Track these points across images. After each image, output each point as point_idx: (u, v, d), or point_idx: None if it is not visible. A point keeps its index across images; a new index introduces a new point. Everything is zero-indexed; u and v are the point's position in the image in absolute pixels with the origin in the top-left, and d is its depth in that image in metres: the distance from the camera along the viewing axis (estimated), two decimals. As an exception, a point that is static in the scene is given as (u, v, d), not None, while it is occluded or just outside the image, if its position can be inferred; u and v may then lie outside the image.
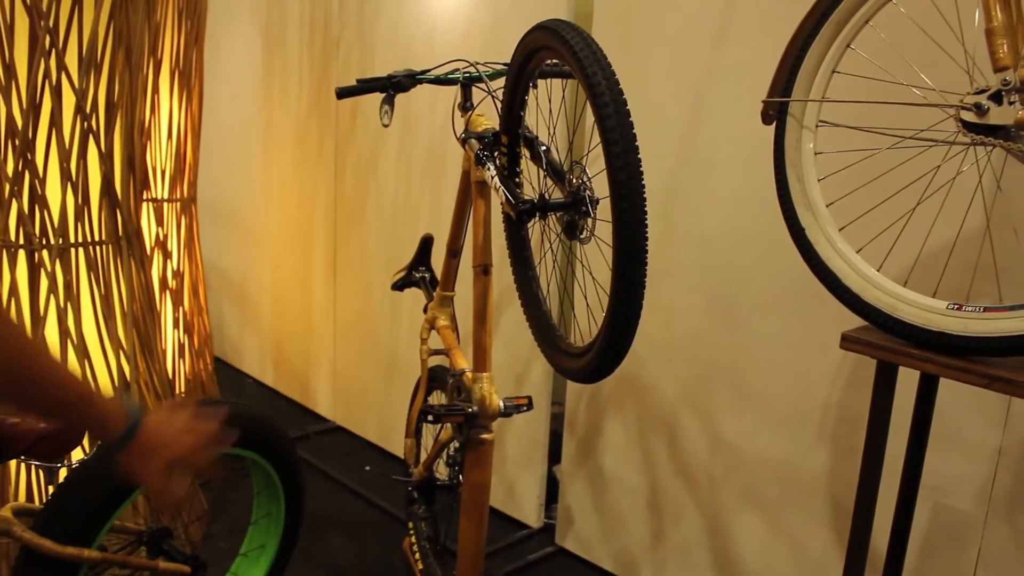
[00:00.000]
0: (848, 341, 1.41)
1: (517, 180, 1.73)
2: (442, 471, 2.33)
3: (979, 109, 1.24)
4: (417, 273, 2.47)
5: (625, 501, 2.62)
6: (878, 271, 1.42)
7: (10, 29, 2.15)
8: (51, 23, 2.15)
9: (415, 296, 2.51)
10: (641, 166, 1.25)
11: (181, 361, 3.34)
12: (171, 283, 3.28)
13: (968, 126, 1.27)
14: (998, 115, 1.23)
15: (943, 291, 1.41)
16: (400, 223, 3.31)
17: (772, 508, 2.24)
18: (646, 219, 1.25)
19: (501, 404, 1.79)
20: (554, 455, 2.93)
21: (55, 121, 2.21)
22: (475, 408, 1.77)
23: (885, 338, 1.37)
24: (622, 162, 1.23)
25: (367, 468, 3.43)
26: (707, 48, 2.22)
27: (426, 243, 2.44)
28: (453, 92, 2.01)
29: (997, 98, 1.23)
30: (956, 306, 1.29)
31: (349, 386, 3.76)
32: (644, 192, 1.24)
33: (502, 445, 2.98)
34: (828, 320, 2.03)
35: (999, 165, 1.49)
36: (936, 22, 1.47)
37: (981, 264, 1.64)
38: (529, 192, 1.58)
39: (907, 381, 1.51)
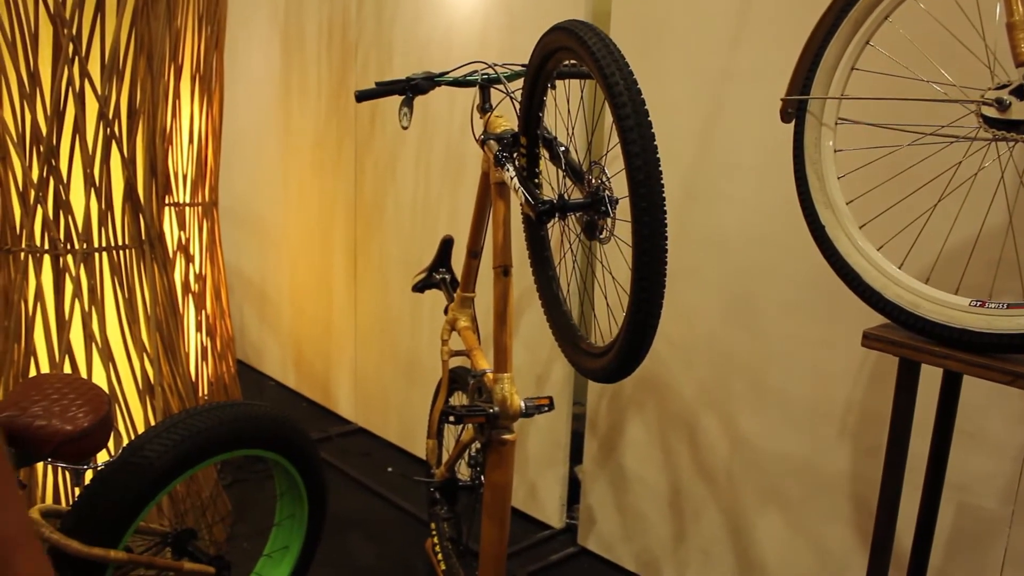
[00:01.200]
0: (870, 339, 1.40)
1: (536, 181, 1.74)
2: (464, 472, 2.34)
3: (1001, 104, 1.24)
4: (437, 275, 2.47)
5: (647, 501, 2.61)
6: (899, 268, 1.41)
7: (34, 37, 2.18)
8: (74, 31, 2.18)
9: (435, 298, 2.52)
10: (660, 166, 1.25)
11: (204, 364, 3.36)
12: (193, 287, 3.30)
13: (989, 121, 1.26)
14: (1020, 110, 1.22)
15: (965, 288, 1.41)
16: (419, 225, 3.32)
17: (794, 507, 2.23)
18: (665, 218, 1.25)
19: (522, 405, 1.79)
20: (576, 455, 2.93)
21: (79, 127, 2.24)
22: (496, 409, 1.78)
23: (907, 335, 1.36)
24: (641, 161, 1.23)
25: (389, 469, 3.45)
26: (725, 48, 2.21)
27: (446, 245, 2.45)
28: (471, 94, 2.01)
29: (1019, 93, 1.22)
30: (979, 303, 1.28)
31: (370, 388, 3.78)
32: (663, 191, 1.25)
33: (524, 446, 2.98)
34: (848, 318, 2.02)
35: (1022, 160, 1.48)
36: (956, 17, 1.47)
37: (1004, 260, 1.63)
38: (548, 193, 1.58)
39: (930, 379, 1.50)
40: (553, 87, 1.73)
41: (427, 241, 3.28)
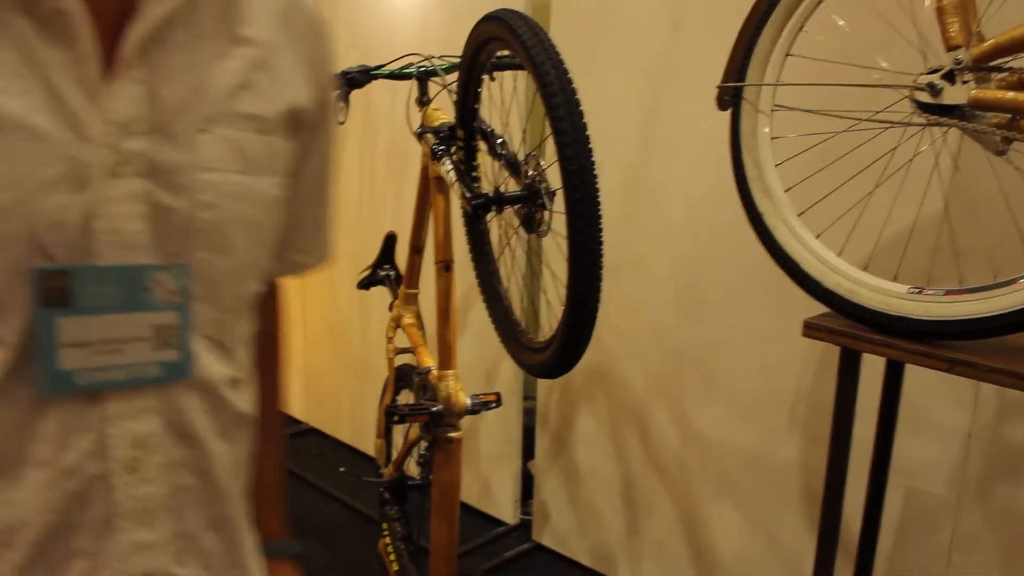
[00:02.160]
0: (810, 328, 1.39)
1: (474, 174, 1.70)
2: (413, 470, 2.30)
3: (932, 89, 1.23)
4: (382, 271, 2.44)
5: (600, 495, 2.60)
6: (838, 256, 1.40)
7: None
8: None
9: (383, 294, 2.49)
10: (592, 155, 1.22)
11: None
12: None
13: (923, 106, 1.25)
14: (951, 94, 1.21)
15: (904, 275, 1.40)
16: (365, 221, 3.27)
17: (745, 497, 2.23)
18: (599, 209, 1.23)
19: (468, 401, 1.76)
20: (528, 450, 2.91)
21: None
22: (441, 407, 1.74)
23: (847, 324, 1.35)
24: (572, 152, 1.20)
25: (342, 469, 3.39)
26: (666, 36, 2.19)
27: (389, 241, 2.41)
28: (413, 86, 1.97)
29: (950, 77, 1.21)
30: (917, 290, 1.27)
31: (321, 387, 3.72)
32: (596, 182, 1.22)
33: (476, 442, 2.95)
34: (795, 307, 2.00)
35: (956, 145, 1.48)
36: (889, 2, 1.46)
37: (942, 247, 1.63)
38: (487, 186, 1.55)
39: (876, 367, 1.49)
40: (492, 78, 1.70)
41: (373, 237, 3.22)
